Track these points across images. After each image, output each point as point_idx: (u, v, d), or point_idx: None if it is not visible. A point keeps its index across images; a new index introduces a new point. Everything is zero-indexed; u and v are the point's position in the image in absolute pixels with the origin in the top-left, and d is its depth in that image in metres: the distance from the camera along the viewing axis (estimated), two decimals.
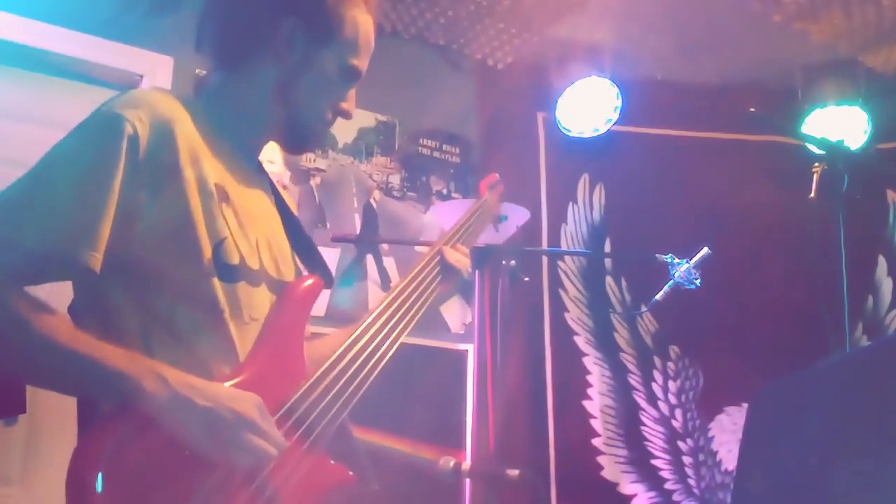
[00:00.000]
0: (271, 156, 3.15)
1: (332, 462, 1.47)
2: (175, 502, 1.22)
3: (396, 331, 1.58)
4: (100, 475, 1.17)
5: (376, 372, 1.51)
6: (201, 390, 1.26)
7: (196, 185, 1.35)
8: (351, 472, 1.49)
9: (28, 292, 1.26)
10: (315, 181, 3.60)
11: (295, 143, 1.62)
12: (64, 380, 1.27)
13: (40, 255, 1.24)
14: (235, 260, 1.39)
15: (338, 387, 1.44)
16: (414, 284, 1.66)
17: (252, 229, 1.45)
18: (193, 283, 1.35)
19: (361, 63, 1.56)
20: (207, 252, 1.35)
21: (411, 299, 1.63)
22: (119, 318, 1.32)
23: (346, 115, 1.59)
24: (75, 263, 1.25)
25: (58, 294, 1.34)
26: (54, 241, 1.25)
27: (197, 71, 3.20)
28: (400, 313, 1.60)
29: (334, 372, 1.45)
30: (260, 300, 1.44)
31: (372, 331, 1.53)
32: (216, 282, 1.36)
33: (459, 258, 1.76)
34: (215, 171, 1.40)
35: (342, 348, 1.48)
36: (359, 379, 1.48)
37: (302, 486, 1.38)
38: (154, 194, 1.32)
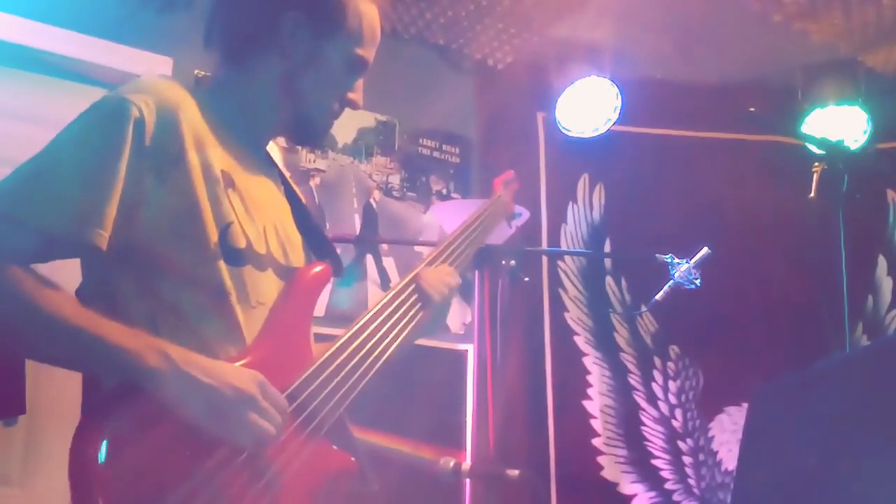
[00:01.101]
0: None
1: (335, 449, 1.47)
2: (175, 479, 1.22)
3: (402, 323, 1.58)
4: (103, 448, 1.18)
5: (381, 362, 1.51)
6: (204, 367, 1.27)
7: (201, 170, 1.37)
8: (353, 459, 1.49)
9: (34, 269, 1.27)
10: (315, 181, 3.60)
11: (302, 136, 1.63)
12: (68, 355, 1.29)
13: (47, 233, 1.26)
14: (242, 244, 1.40)
15: (341, 375, 1.44)
16: (408, 291, 1.64)
17: (259, 215, 1.46)
18: (199, 267, 1.36)
19: (367, 53, 1.56)
20: (213, 236, 1.37)
21: (408, 302, 1.63)
22: (126, 301, 1.34)
23: (354, 106, 1.59)
24: (82, 241, 1.27)
25: (65, 279, 1.35)
26: (61, 220, 1.26)
27: (196, 71, 3.21)
28: (406, 306, 1.60)
29: (339, 360, 1.45)
30: (267, 285, 1.45)
31: (378, 320, 1.54)
32: (222, 265, 1.38)
33: (435, 284, 1.66)
34: (221, 159, 1.42)
35: (347, 336, 1.48)
36: (363, 368, 1.48)
37: (303, 472, 1.38)
38: (160, 178, 1.33)
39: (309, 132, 1.60)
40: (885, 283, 4.00)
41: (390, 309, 1.58)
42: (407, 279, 1.65)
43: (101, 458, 1.18)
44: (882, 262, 4.01)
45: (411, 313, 1.62)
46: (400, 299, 1.61)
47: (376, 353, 1.51)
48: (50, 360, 1.33)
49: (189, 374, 1.25)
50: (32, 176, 1.29)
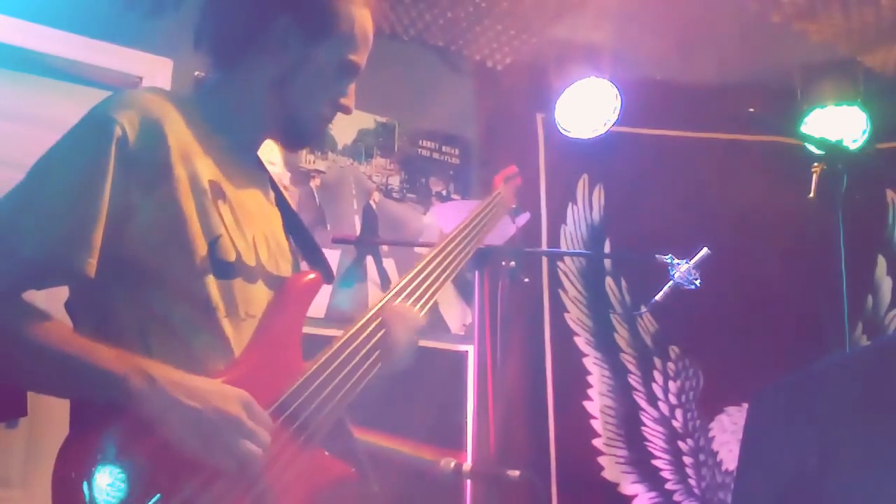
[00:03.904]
0: (271, 157, 3.15)
1: (330, 457, 1.46)
2: (164, 496, 1.22)
3: None
4: (87, 468, 1.17)
5: (374, 370, 1.50)
6: (188, 389, 1.25)
7: (188, 184, 1.36)
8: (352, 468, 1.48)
9: (23, 299, 1.27)
10: (315, 183, 3.60)
11: (293, 140, 1.62)
12: (55, 383, 1.28)
13: (36, 262, 1.26)
14: (231, 257, 1.40)
15: (334, 383, 1.43)
16: (420, 277, 1.65)
17: (249, 226, 1.46)
18: (187, 282, 1.35)
19: (359, 58, 1.55)
20: (201, 250, 1.36)
21: (419, 291, 1.63)
22: (115, 316, 1.33)
23: (346, 111, 1.58)
24: (71, 270, 1.27)
25: (55, 290, 1.35)
26: (49, 249, 1.26)
27: (196, 73, 3.21)
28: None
29: (330, 368, 1.44)
30: (257, 296, 1.44)
31: (371, 327, 1.52)
32: (211, 279, 1.37)
33: (401, 333, 1.56)
34: (210, 169, 1.41)
35: (339, 344, 1.47)
36: (356, 376, 1.47)
37: (297, 482, 1.37)
38: (146, 194, 1.33)
39: (299, 136, 1.59)
40: (885, 283, 4.00)
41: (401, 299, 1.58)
42: (408, 277, 1.64)
43: (86, 478, 1.17)
44: (881, 262, 4.01)
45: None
46: (403, 295, 1.60)
47: (373, 356, 1.50)
48: (37, 388, 1.33)
49: (172, 397, 1.23)
50: (19, 202, 1.29)
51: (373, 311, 1.54)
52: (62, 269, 1.27)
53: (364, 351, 1.49)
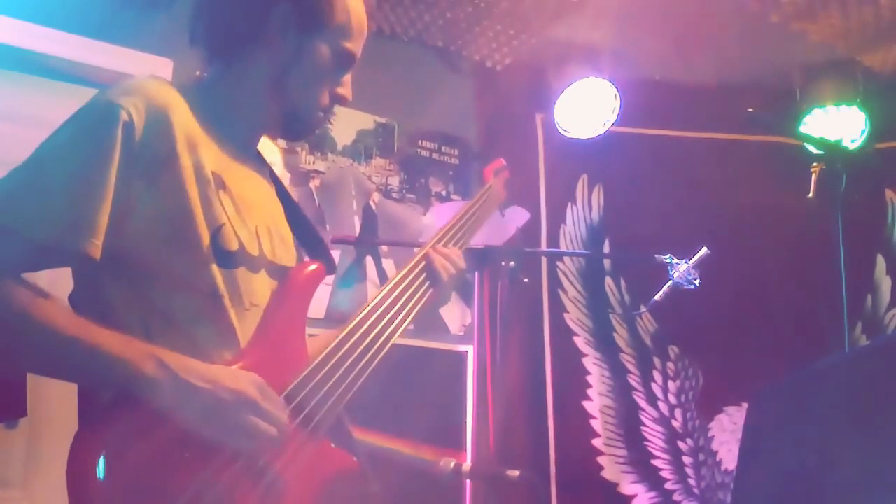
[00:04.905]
0: (271, 157, 3.15)
1: (336, 448, 1.47)
2: (175, 488, 1.22)
3: (398, 319, 1.57)
4: (101, 461, 1.17)
5: (377, 360, 1.50)
6: (201, 373, 1.26)
7: (193, 172, 1.36)
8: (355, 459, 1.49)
9: (27, 280, 1.26)
10: (314, 183, 3.60)
11: (292, 132, 1.62)
12: (64, 367, 1.27)
13: (40, 243, 1.25)
14: (234, 246, 1.39)
15: (339, 373, 1.44)
16: (413, 275, 1.65)
17: (250, 216, 1.45)
18: (192, 270, 1.35)
19: (355, 47, 1.56)
20: (206, 239, 1.35)
21: (412, 288, 1.63)
22: (118, 306, 1.32)
23: (343, 101, 1.58)
24: (75, 251, 1.26)
25: (58, 283, 1.34)
26: (53, 230, 1.25)
27: (197, 73, 3.21)
28: (401, 302, 1.59)
29: (335, 359, 1.44)
30: (260, 286, 1.44)
31: (372, 318, 1.52)
32: (215, 268, 1.36)
33: (445, 264, 1.72)
34: (212, 159, 1.40)
35: (342, 335, 1.47)
36: (360, 366, 1.47)
37: (304, 472, 1.38)
38: (151, 181, 1.32)
39: (298, 127, 1.59)
40: (884, 283, 4.00)
41: (392, 297, 1.58)
42: (411, 265, 1.65)
43: (100, 472, 1.17)
44: (881, 262, 4.02)
45: (417, 296, 1.62)
46: (404, 285, 1.61)
47: (375, 347, 1.50)
48: (47, 373, 1.31)
49: (186, 381, 1.24)
50: (22, 183, 1.28)
51: (368, 308, 1.54)
52: (66, 249, 1.26)
53: (365, 344, 1.49)
